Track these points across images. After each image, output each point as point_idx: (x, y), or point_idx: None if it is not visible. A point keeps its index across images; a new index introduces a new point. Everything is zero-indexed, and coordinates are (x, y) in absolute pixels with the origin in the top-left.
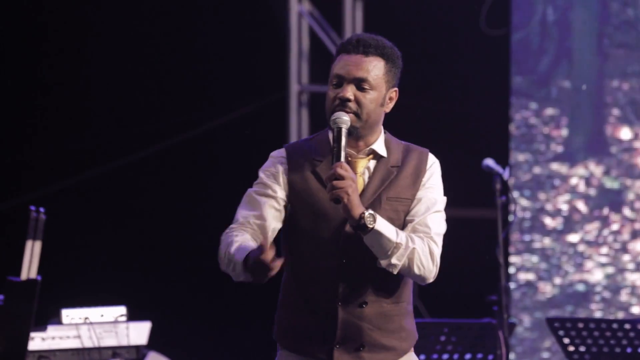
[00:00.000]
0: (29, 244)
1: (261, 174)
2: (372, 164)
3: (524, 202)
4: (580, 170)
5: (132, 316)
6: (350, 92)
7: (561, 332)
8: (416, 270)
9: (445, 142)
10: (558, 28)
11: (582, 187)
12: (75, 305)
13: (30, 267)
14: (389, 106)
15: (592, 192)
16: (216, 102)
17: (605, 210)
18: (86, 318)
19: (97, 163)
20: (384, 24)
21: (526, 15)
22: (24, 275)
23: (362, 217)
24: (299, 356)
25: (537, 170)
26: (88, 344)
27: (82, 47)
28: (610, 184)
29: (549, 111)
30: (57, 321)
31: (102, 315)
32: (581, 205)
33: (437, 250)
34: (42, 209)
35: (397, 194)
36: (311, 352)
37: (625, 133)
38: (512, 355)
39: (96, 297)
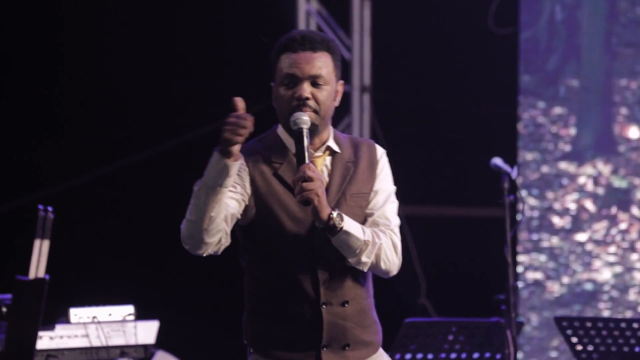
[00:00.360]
0: (37, 243)
1: None
2: (328, 160)
3: (532, 201)
4: (588, 169)
5: (140, 315)
6: (307, 90)
7: (569, 331)
8: (382, 266)
9: (454, 141)
10: (566, 27)
11: (590, 186)
12: (84, 304)
13: (38, 266)
14: (338, 99)
15: (600, 191)
16: (224, 101)
17: (614, 209)
18: (94, 317)
19: (106, 162)
20: (392, 22)
21: (534, 14)
22: (32, 274)
23: (330, 217)
24: None
25: (545, 169)
26: (96, 343)
27: (92, 46)
28: (619, 183)
29: (557, 110)
30: (65, 320)
31: (110, 314)
32: (589, 204)
33: (399, 243)
34: (50, 208)
35: (358, 189)
36: (298, 357)
37: (633, 132)
38: (520, 354)
39: (104, 296)
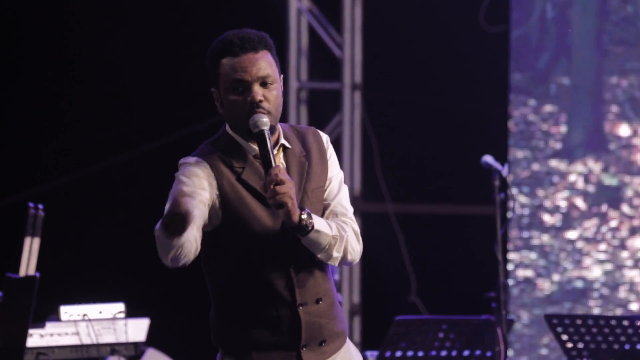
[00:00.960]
0: (27, 240)
1: (182, 177)
2: (282, 158)
3: (523, 199)
4: (579, 167)
5: (131, 313)
6: (259, 92)
7: (559, 329)
8: (349, 257)
9: (444, 138)
10: (557, 25)
11: (580, 184)
12: (74, 302)
13: (28, 263)
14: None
15: (591, 188)
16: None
17: (604, 207)
18: (84, 315)
19: (96, 160)
20: (383, 20)
21: (525, 11)
22: (22, 272)
23: (301, 218)
24: None
25: (535, 167)
26: (86, 340)
27: (84, 45)
28: (609, 180)
29: (548, 108)
30: (56, 318)
31: (100, 312)
32: (580, 202)
33: (358, 230)
34: (40, 206)
35: (317, 183)
36: (278, 359)
37: (624, 130)
38: (510, 352)
39: (95, 294)
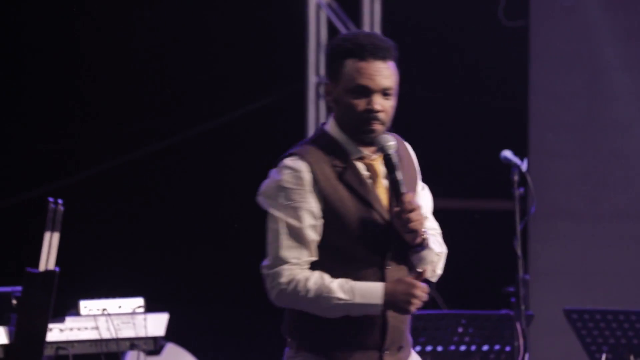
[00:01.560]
0: (47, 235)
1: (289, 193)
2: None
3: None
4: None
5: (150, 307)
6: (379, 103)
7: (579, 324)
8: (440, 272)
9: (464, 133)
10: None
11: None
12: (93, 297)
13: (48, 258)
14: None
15: None
16: (235, 93)
17: None
18: (104, 309)
19: (115, 155)
20: (403, 15)
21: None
22: (42, 267)
23: (423, 238)
24: None
25: None
26: (106, 335)
27: (108, 42)
28: None
29: None
30: (75, 312)
31: (120, 307)
32: None
33: None
34: (60, 201)
35: (414, 190)
36: (360, 359)
37: None
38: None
39: (114, 288)
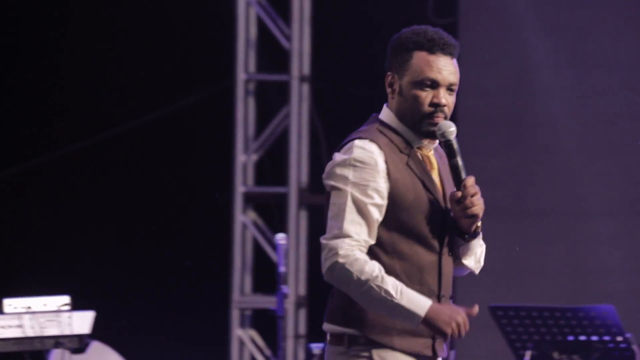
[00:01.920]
0: None
1: (360, 171)
2: (432, 155)
3: None
4: None
5: (76, 305)
6: (445, 97)
7: (504, 321)
8: (482, 264)
9: None
10: None
11: None
12: (18, 295)
13: None
14: None
15: None
16: (162, 90)
17: None
18: (29, 307)
19: (41, 152)
20: (332, 13)
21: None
22: None
23: (477, 225)
24: (406, 355)
25: None
26: (30, 333)
27: (56, 32)
28: None
29: None
30: None
31: (45, 305)
32: None
33: None
34: None
35: (452, 186)
36: (417, 346)
37: None
38: (455, 344)
39: (39, 286)
